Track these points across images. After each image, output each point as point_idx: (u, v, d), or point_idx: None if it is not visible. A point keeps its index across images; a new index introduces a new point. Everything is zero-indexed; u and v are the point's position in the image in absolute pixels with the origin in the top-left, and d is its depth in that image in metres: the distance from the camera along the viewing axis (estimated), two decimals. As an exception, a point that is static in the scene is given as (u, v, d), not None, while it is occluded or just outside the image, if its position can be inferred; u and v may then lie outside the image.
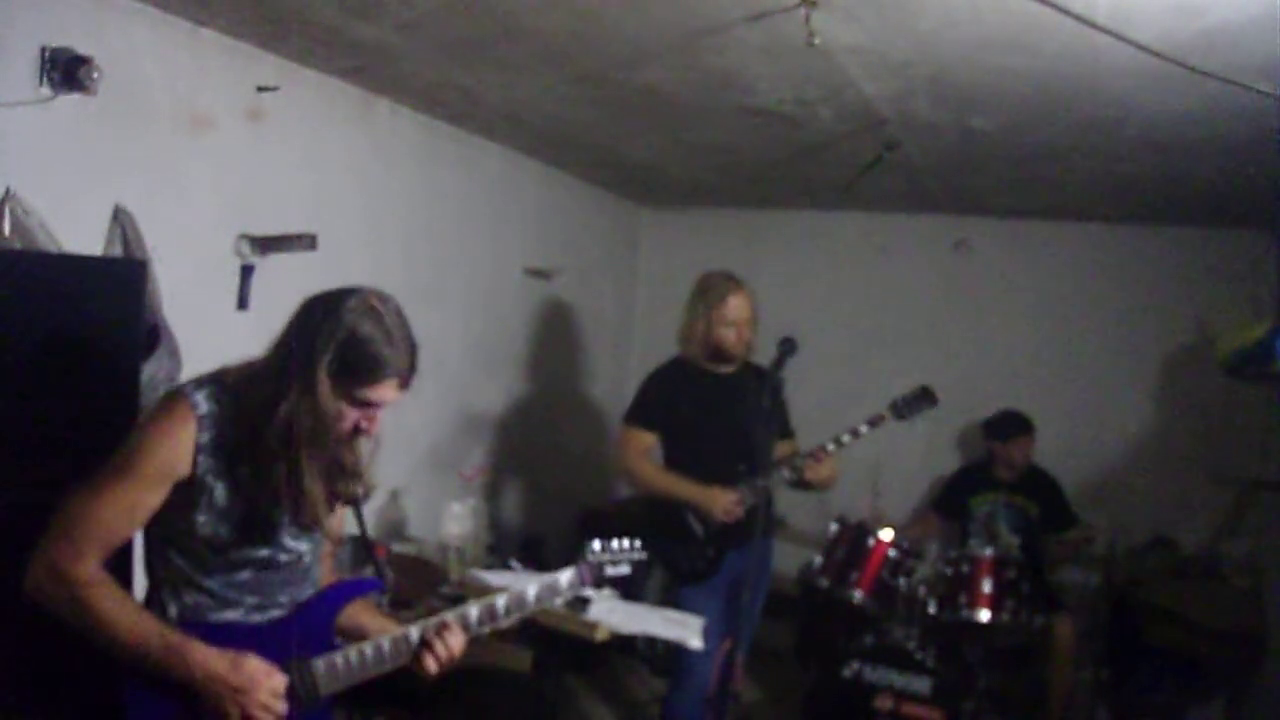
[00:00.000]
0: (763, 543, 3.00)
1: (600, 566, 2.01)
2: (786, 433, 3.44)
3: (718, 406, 3.28)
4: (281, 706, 1.68)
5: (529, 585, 1.94)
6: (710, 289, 3.32)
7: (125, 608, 1.62)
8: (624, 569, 2.04)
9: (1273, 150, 3.03)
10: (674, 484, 3.27)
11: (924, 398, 3.37)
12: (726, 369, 3.34)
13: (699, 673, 3.19)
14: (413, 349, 1.72)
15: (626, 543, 2.05)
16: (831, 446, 3.23)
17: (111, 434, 1.69)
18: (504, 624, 1.93)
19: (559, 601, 2.01)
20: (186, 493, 1.66)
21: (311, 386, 1.64)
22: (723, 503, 3.15)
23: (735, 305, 3.27)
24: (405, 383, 1.72)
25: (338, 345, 1.64)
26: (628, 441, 3.41)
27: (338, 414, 1.69)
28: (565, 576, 1.98)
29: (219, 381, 1.72)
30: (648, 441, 3.40)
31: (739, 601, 3.17)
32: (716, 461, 3.22)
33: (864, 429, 3.25)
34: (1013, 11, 2.26)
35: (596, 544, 2.02)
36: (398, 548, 3.54)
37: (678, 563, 3.26)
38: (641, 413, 3.40)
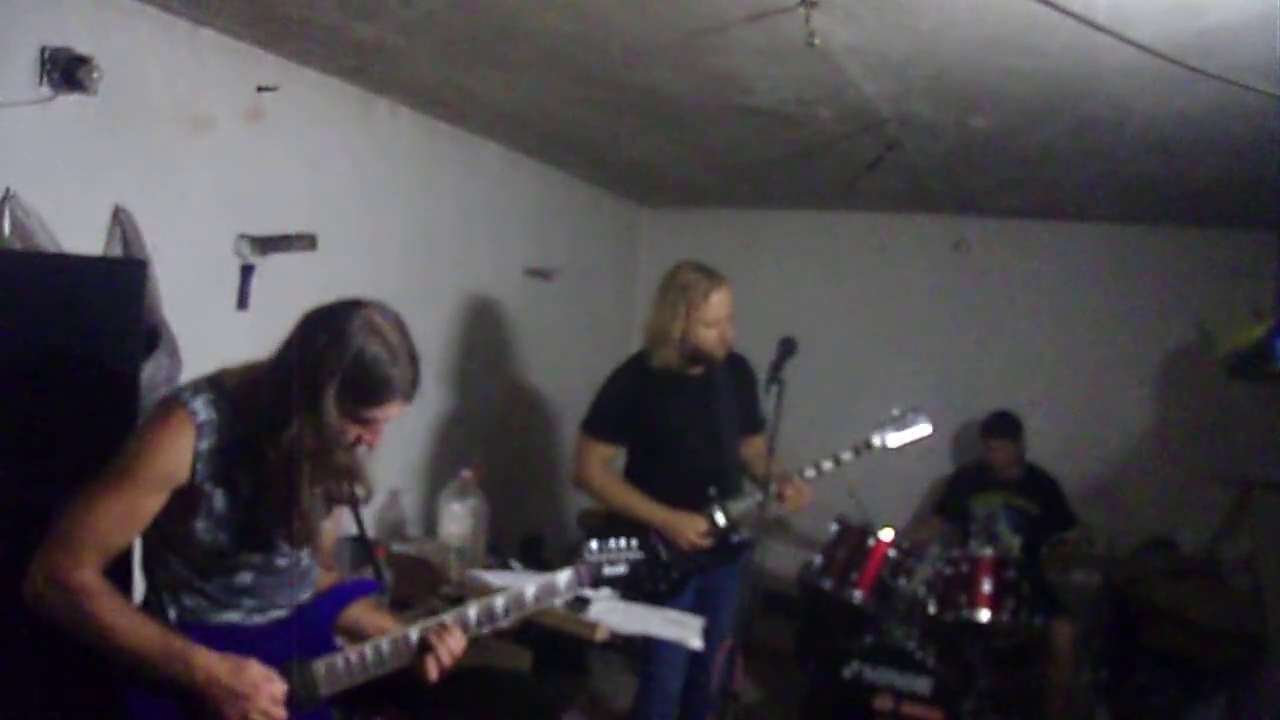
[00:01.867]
0: (746, 554, 2.92)
1: (598, 566, 2.02)
2: (755, 426, 3.23)
3: (688, 416, 3.07)
4: (281, 712, 1.68)
5: (527, 586, 1.95)
6: (689, 286, 3.00)
7: (125, 613, 1.62)
8: (621, 569, 2.04)
9: (1273, 150, 3.03)
10: (638, 504, 3.03)
11: (911, 418, 3.17)
12: (697, 369, 3.10)
13: (666, 683, 3.10)
14: (415, 364, 1.72)
15: (624, 542, 2.05)
16: (810, 473, 3.07)
17: (111, 434, 1.70)
18: (503, 624, 1.94)
19: (557, 601, 2.02)
20: (185, 499, 1.66)
21: (317, 410, 1.63)
22: (689, 535, 2.99)
23: (718, 303, 2.99)
24: (409, 398, 1.73)
25: (344, 367, 1.63)
26: (587, 454, 3.12)
27: (342, 430, 1.68)
28: (564, 577, 1.99)
29: (218, 387, 1.71)
30: (609, 453, 3.15)
31: (714, 610, 3.06)
32: (685, 480, 3.04)
33: (847, 456, 3.08)
34: (1013, 11, 2.26)
35: (594, 544, 2.03)
36: (398, 548, 3.54)
37: (639, 582, 3.15)
38: (601, 424, 3.13)
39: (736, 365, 3.13)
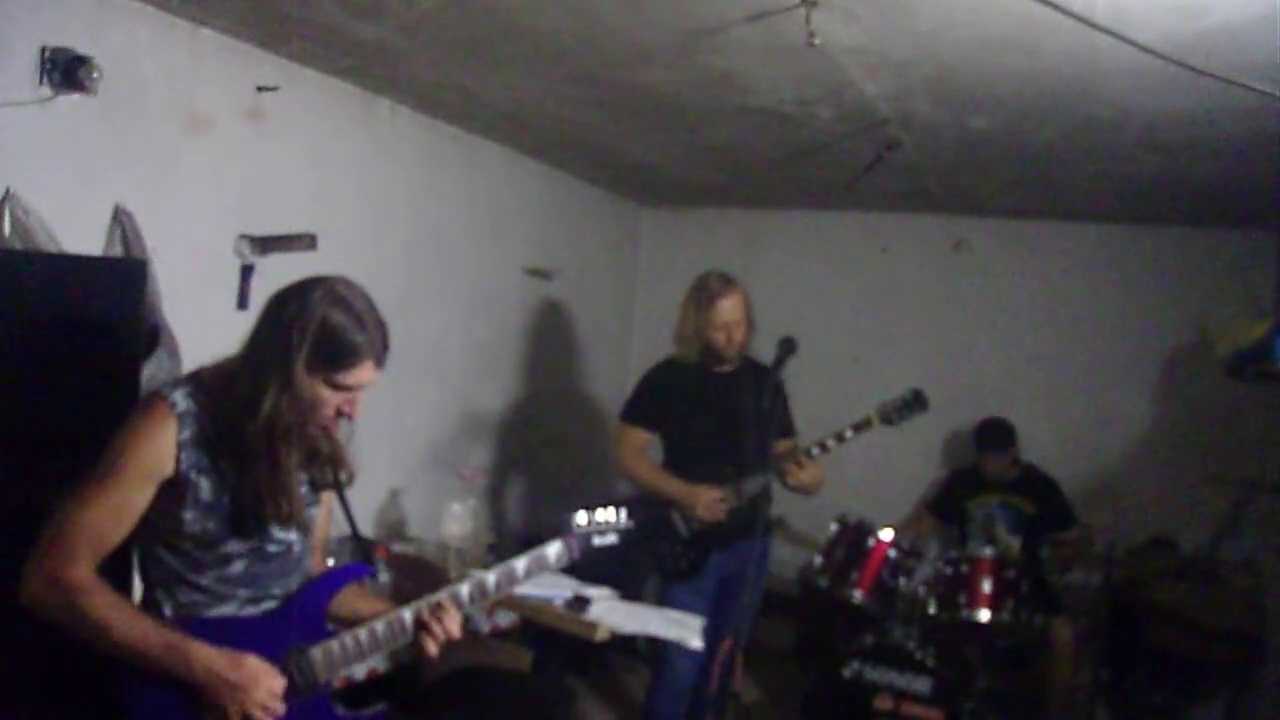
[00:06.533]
0: (757, 542, 2.99)
1: (587, 537, 2.00)
2: (787, 432, 3.42)
3: (711, 405, 3.28)
4: (279, 705, 1.69)
5: (518, 560, 1.95)
6: (702, 290, 3.27)
7: (122, 610, 1.63)
8: (611, 538, 2.02)
9: (1273, 150, 3.03)
10: (661, 481, 3.29)
11: (915, 403, 3.29)
12: (723, 367, 3.34)
13: (679, 669, 3.20)
14: (383, 329, 1.76)
15: (612, 512, 2.03)
16: (816, 451, 3.19)
17: (112, 434, 1.70)
18: (496, 599, 1.97)
19: (556, 580, 2.00)
20: (172, 491, 1.68)
21: (290, 380, 1.67)
22: (704, 501, 3.16)
23: (726, 308, 3.21)
24: (380, 363, 1.76)
25: (312, 336, 1.67)
26: (623, 439, 3.44)
27: (319, 401, 1.72)
28: (553, 549, 1.98)
29: (195, 380, 1.75)
30: (643, 439, 3.42)
31: (730, 602, 3.16)
32: (707, 461, 3.24)
33: (849, 434, 3.21)
34: (1013, 11, 2.26)
35: (582, 515, 2.01)
36: (398, 548, 3.54)
37: (662, 560, 3.27)
38: (636, 410, 3.43)
39: (763, 375, 3.16)
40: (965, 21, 2.37)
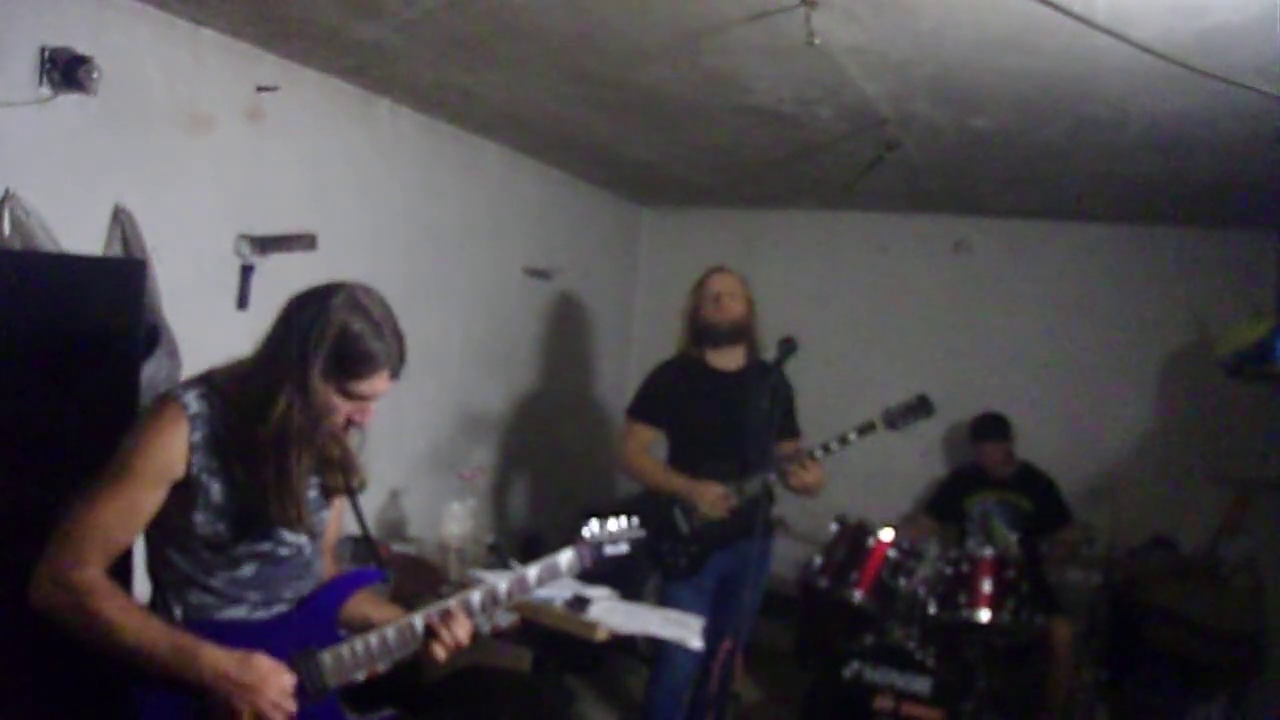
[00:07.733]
0: (759, 543, 3.00)
1: (599, 546, 2.01)
2: (791, 433, 3.43)
3: (718, 404, 3.29)
4: (291, 704, 1.69)
5: (530, 568, 1.96)
6: (700, 277, 3.43)
7: (131, 611, 1.62)
8: (623, 547, 2.03)
9: (1273, 150, 3.04)
10: (665, 477, 3.30)
11: (919, 408, 3.30)
12: (729, 365, 3.34)
13: (678, 668, 3.21)
14: (401, 340, 1.75)
15: (624, 521, 2.04)
16: (819, 453, 3.19)
17: (111, 434, 1.69)
18: (506, 606, 1.96)
19: (559, 582, 2.01)
20: (184, 493, 1.67)
21: (304, 384, 1.66)
22: (709, 497, 3.17)
23: (715, 280, 3.35)
24: (396, 374, 1.75)
25: (329, 342, 1.66)
26: (628, 435, 3.45)
27: (331, 408, 1.71)
28: (565, 557, 1.99)
29: (208, 382, 1.73)
30: (648, 436, 3.43)
31: (730, 601, 3.17)
32: (711, 459, 3.24)
33: (853, 436, 3.21)
34: (1013, 11, 2.26)
35: (594, 524, 2.02)
36: (398, 548, 3.54)
37: (662, 558, 3.27)
38: (642, 407, 3.44)
39: (775, 377, 3.16)
40: (965, 21, 2.37)
